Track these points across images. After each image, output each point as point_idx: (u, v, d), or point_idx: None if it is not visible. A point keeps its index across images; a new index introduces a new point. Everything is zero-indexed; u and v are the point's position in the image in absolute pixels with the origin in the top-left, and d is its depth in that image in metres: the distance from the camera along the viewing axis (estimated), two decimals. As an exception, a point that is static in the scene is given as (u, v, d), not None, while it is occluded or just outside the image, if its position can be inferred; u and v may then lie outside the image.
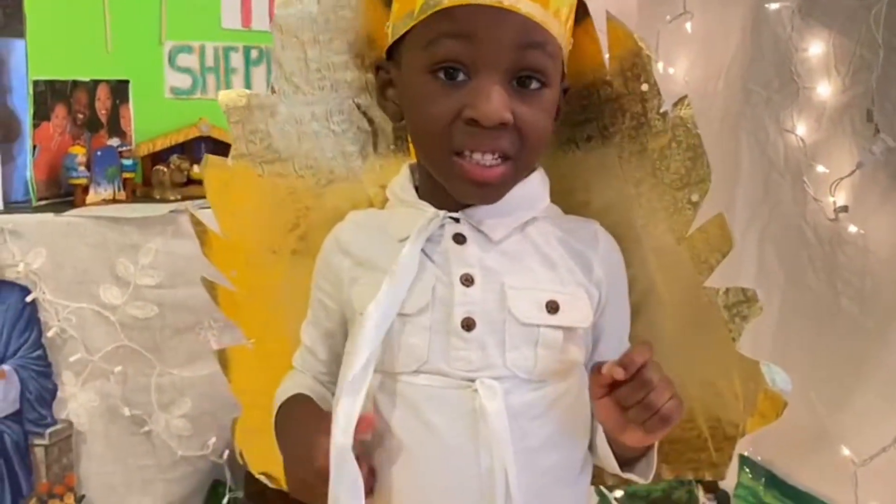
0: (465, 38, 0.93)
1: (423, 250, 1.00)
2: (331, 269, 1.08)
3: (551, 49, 0.96)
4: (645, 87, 1.07)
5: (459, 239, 1.01)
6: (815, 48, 1.71)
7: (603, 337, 1.07)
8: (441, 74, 0.95)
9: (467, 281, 0.99)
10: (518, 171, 0.99)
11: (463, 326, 0.97)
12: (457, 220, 1.03)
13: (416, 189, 1.07)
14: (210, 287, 1.21)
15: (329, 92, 1.16)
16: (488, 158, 0.96)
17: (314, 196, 1.18)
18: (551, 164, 1.12)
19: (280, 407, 1.10)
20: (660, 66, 2.03)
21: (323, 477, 0.91)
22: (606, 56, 1.08)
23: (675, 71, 2.04)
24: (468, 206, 1.03)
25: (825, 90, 1.71)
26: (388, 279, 0.97)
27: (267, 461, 1.19)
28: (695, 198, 1.09)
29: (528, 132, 0.96)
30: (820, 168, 1.72)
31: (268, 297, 1.21)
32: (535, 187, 1.06)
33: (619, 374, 0.88)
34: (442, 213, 1.02)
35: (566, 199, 1.11)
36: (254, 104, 1.14)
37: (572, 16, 1.02)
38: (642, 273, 1.12)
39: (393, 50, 1.04)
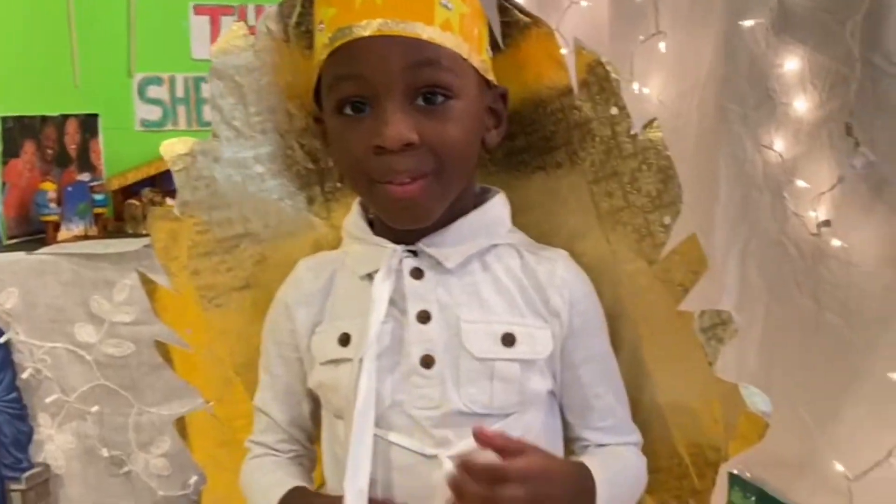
0: (355, 75, 0.96)
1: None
2: (287, 321, 1.06)
3: (447, 63, 0.96)
4: (614, 110, 1.07)
5: (417, 274, 1.01)
6: (791, 64, 1.71)
7: (580, 365, 1.05)
8: (348, 110, 0.97)
9: (424, 318, 0.99)
10: (444, 186, 0.98)
11: (422, 364, 0.97)
12: (414, 254, 1.02)
13: (371, 225, 1.06)
14: (163, 350, 1.18)
15: (272, 135, 1.16)
16: (405, 180, 0.96)
17: (264, 243, 1.17)
18: (520, 192, 1.11)
19: None
20: (634, 86, 2.02)
21: None
22: (574, 80, 1.08)
23: (649, 91, 2.03)
24: (424, 236, 1.02)
25: (802, 105, 1.71)
26: (368, 319, 0.97)
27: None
28: (667, 220, 1.07)
29: (440, 146, 0.96)
30: (800, 183, 1.71)
31: (223, 354, 1.18)
32: (493, 213, 1.05)
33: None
34: (400, 247, 1.01)
35: (536, 227, 1.11)
36: (196, 151, 1.13)
37: (476, 23, 1.01)
38: (614, 299, 1.10)
39: (320, 99, 1.05)
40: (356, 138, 0.96)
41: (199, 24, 2.41)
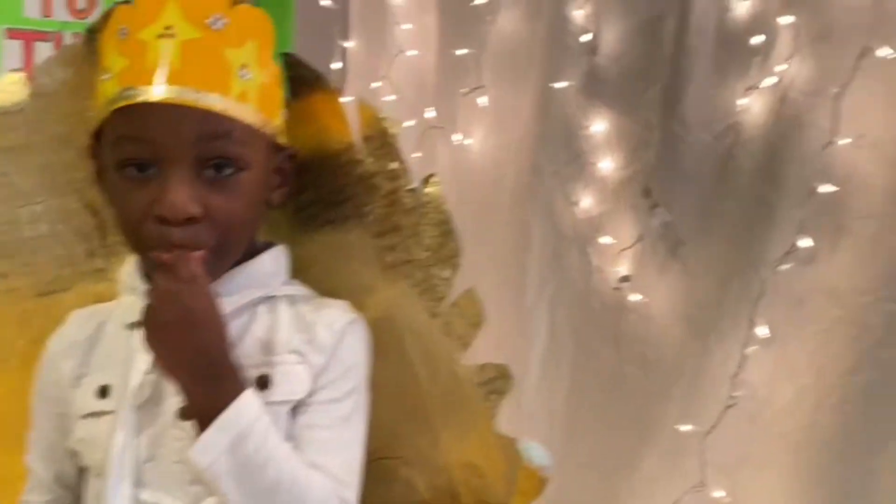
0: (143, 140, 0.92)
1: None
2: (51, 373, 1.01)
3: (239, 135, 0.93)
4: (395, 164, 1.09)
5: None
6: (598, 126, 1.80)
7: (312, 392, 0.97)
8: (132, 171, 0.92)
9: None
10: (221, 258, 0.95)
11: (180, 417, 0.93)
12: None
13: (149, 277, 1.00)
14: None
15: (48, 188, 1.11)
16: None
17: (41, 298, 1.12)
18: (309, 247, 1.11)
19: None
20: (458, 136, 2.08)
21: None
22: (357, 135, 1.09)
23: (471, 142, 2.09)
24: None
25: (607, 165, 1.80)
26: (129, 370, 0.93)
27: None
28: (446, 274, 1.09)
29: (222, 221, 0.93)
30: (604, 239, 1.80)
31: (2, 413, 1.11)
32: (265, 266, 1.02)
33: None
34: None
35: (324, 281, 1.09)
36: None
37: (274, 89, 1.00)
38: (399, 355, 1.08)
39: (99, 138, 0.99)
40: (137, 200, 0.92)
41: (12, 49, 2.31)
